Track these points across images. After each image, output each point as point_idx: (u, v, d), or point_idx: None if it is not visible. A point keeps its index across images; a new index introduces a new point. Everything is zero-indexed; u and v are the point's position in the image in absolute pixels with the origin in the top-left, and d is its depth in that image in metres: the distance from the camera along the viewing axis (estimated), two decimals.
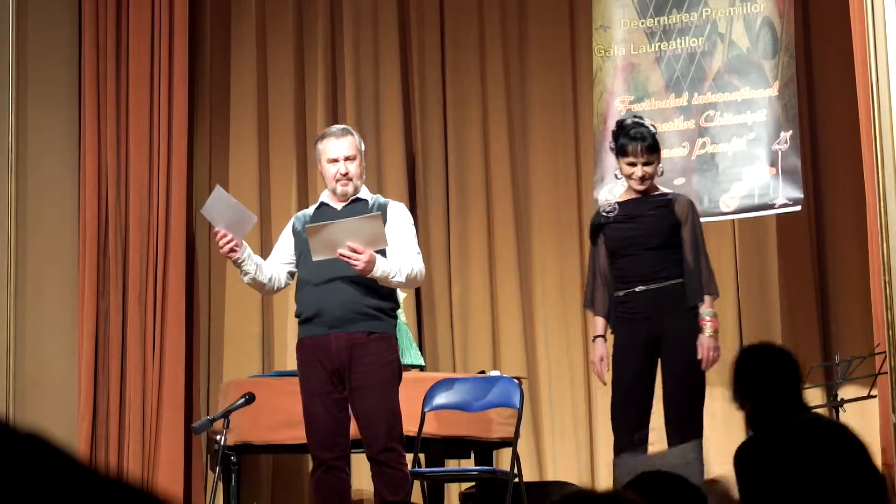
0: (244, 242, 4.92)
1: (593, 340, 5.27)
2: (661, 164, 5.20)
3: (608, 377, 5.21)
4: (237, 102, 7.40)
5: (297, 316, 4.99)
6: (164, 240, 6.87)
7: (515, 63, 7.33)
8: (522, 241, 7.23)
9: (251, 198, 7.29)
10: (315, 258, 4.75)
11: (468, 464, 6.35)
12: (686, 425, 4.94)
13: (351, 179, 4.93)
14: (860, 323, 6.29)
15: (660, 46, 6.39)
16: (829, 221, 6.83)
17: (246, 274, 4.96)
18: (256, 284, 5.04)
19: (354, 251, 4.65)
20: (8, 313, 6.51)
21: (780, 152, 6.12)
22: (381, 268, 4.72)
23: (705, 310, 5.02)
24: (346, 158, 4.93)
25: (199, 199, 7.29)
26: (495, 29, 7.34)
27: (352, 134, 5.02)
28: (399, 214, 4.96)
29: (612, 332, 5.19)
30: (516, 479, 5.38)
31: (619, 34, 6.46)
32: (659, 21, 6.39)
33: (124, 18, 6.99)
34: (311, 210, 5.11)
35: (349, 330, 4.79)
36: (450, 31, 7.40)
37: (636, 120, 5.29)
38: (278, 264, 5.05)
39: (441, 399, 5.67)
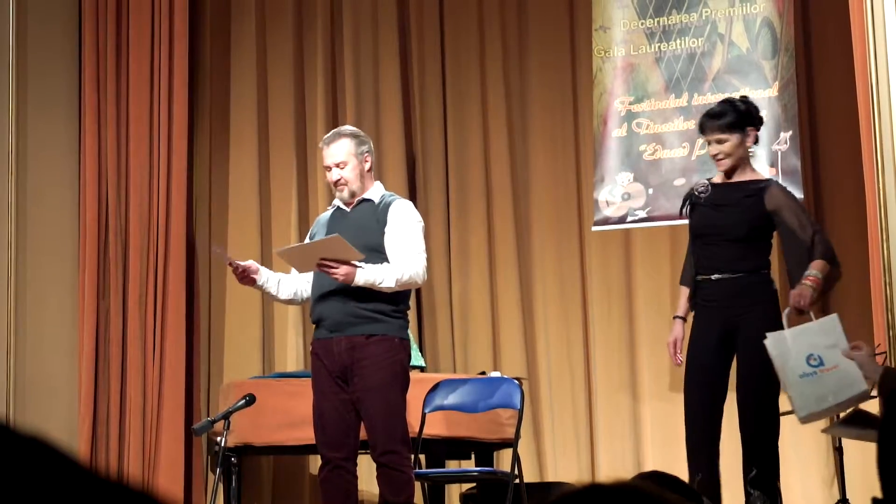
0: (261, 267, 5.04)
1: (673, 319, 5.24)
2: (749, 141, 5.06)
3: (682, 358, 5.17)
4: (237, 103, 7.40)
5: (310, 317, 5.09)
6: (165, 241, 6.87)
7: (515, 64, 7.32)
8: (522, 241, 7.23)
9: (251, 199, 7.29)
10: (301, 272, 4.95)
11: (469, 465, 6.35)
12: (757, 428, 4.93)
13: (346, 185, 4.95)
14: (860, 323, 6.29)
15: (659, 47, 6.39)
16: (829, 222, 6.82)
17: (269, 295, 5.12)
18: (286, 302, 5.18)
19: (328, 265, 4.71)
20: (8, 315, 6.51)
21: (779, 153, 6.11)
22: (364, 277, 4.75)
23: (810, 271, 4.91)
24: (337, 165, 4.96)
25: (199, 200, 7.29)
26: (495, 30, 7.34)
27: (345, 136, 5.02)
28: (400, 214, 4.94)
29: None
30: (517, 480, 5.38)
31: (618, 35, 6.46)
32: (658, 21, 6.39)
33: (124, 19, 6.99)
34: (328, 213, 5.16)
35: (348, 333, 4.82)
36: (449, 32, 7.39)
37: (729, 97, 5.26)
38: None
39: (441, 400, 5.67)
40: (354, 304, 4.82)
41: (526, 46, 7.33)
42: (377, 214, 4.92)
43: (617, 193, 6.39)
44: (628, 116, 6.43)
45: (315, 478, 6.26)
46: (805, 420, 4.66)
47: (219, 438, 5.01)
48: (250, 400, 5.08)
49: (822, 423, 6.61)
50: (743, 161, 5.09)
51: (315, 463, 6.73)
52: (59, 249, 6.81)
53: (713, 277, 5.01)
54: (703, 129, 5.09)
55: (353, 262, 4.73)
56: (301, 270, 4.92)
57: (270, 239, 7.29)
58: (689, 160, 6.26)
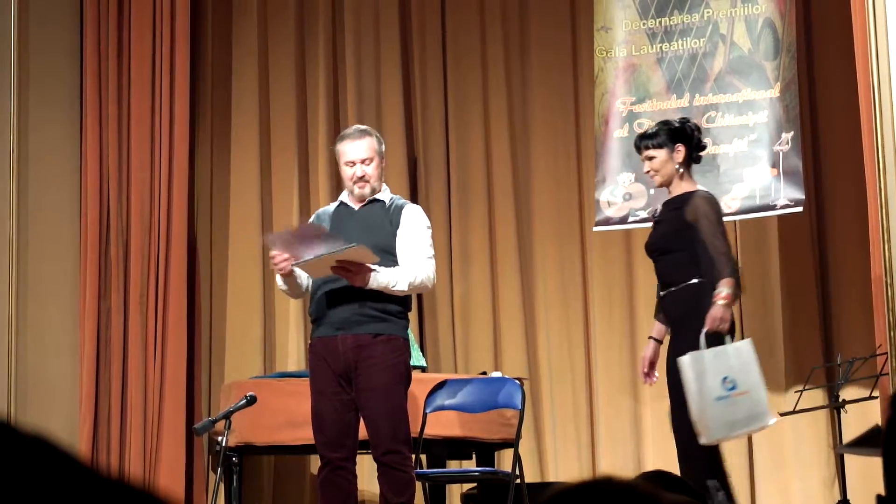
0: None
1: (648, 339, 5.28)
2: (674, 156, 5.10)
3: (657, 376, 5.19)
4: (238, 103, 7.41)
5: (309, 315, 5.03)
6: (166, 241, 6.86)
7: (517, 64, 7.32)
8: (524, 242, 7.23)
9: (252, 199, 7.29)
10: (315, 277, 4.88)
11: (470, 465, 6.35)
12: (678, 435, 4.91)
13: (368, 182, 4.95)
14: (862, 324, 6.29)
15: (661, 47, 6.39)
16: (831, 222, 6.83)
17: (293, 284, 4.96)
18: (296, 293, 5.06)
19: (346, 268, 4.69)
20: (9, 315, 6.51)
21: (781, 153, 6.11)
22: (378, 280, 4.75)
23: (721, 289, 4.89)
24: (363, 161, 4.95)
25: (201, 200, 7.30)
26: (496, 30, 7.34)
27: (370, 135, 5.02)
28: (412, 218, 4.96)
29: None
30: (518, 480, 5.38)
31: (620, 35, 6.45)
32: (660, 22, 6.39)
33: (126, 18, 6.99)
34: (331, 208, 5.13)
35: (355, 332, 4.81)
36: (451, 32, 7.40)
37: (668, 119, 5.33)
38: None
39: (443, 400, 5.67)
40: (361, 303, 4.81)
41: (527, 47, 7.33)
42: (390, 216, 4.93)
43: (618, 194, 6.38)
44: (630, 117, 6.43)
45: (316, 478, 6.26)
46: (710, 443, 4.72)
47: (220, 438, 5.01)
48: (251, 400, 5.08)
49: (827, 435, 6.61)
50: (677, 175, 5.12)
51: (316, 463, 6.74)
52: (60, 249, 6.81)
53: (661, 294, 5.11)
54: (636, 148, 5.23)
55: (368, 265, 4.72)
56: (315, 276, 4.88)
57: None
58: None
